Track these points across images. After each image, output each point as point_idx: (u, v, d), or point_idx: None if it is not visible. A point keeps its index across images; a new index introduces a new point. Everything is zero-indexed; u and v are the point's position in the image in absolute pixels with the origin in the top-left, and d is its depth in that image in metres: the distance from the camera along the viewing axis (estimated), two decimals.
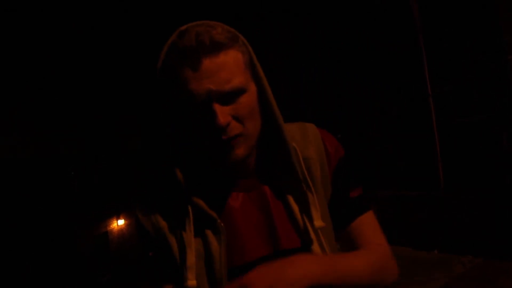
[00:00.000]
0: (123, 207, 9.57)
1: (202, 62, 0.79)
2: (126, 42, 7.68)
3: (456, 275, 3.24)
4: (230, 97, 0.82)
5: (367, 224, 1.04)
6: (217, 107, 0.80)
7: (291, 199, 0.95)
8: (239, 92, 0.83)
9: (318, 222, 0.93)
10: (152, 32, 7.59)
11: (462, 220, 3.84)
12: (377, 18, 4.46)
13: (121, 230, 9.64)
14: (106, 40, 7.57)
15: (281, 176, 0.96)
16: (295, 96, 5.37)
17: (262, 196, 0.95)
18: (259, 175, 0.97)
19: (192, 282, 0.88)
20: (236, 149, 0.84)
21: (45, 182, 7.82)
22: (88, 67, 7.67)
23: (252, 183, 0.96)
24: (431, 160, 4.06)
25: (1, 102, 6.90)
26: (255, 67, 0.90)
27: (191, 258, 0.89)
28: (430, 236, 4.10)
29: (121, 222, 9.37)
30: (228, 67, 0.81)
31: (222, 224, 0.90)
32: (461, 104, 3.78)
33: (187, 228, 0.90)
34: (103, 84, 8.04)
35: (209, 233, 0.90)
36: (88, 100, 8.04)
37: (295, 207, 0.95)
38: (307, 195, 0.94)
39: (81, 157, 8.73)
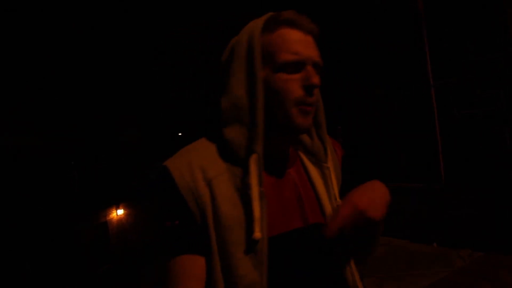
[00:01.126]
0: (122, 197, 9.59)
1: (308, 35, 0.96)
2: (126, 42, 7.63)
3: (455, 269, 3.23)
4: (317, 70, 0.97)
5: None
6: (313, 70, 0.95)
7: (317, 180, 1.08)
8: (321, 70, 0.98)
9: (337, 201, 1.08)
10: (152, 32, 7.54)
11: (462, 213, 3.83)
12: (380, 10, 4.40)
13: (120, 220, 9.68)
14: (106, 40, 7.52)
15: (310, 159, 1.11)
16: None
17: (291, 176, 1.05)
18: (289, 157, 1.08)
19: (258, 234, 0.90)
20: (309, 118, 0.96)
21: (44, 172, 7.82)
22: (88, 66, 7.64)
23: (285, 165, 1.06)
24: (432, 153, 4.04)
25: (4, 98, 6.88)
26: None
27: (258, 211, 0.91)
28: (429, 229, 4.10)
29: (120, 212, 9.40)
30: (318, 50, 0.99)
31: (263, 191, 0.94)
32: (463, 96, 3.75)
33: (253, 181, 0.92)
34: (103, 78, 8.01)
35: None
36: (88, 93, 8.01)
37: (321, 187, 1.07)
38: (331, 178, 1.09)
39: (81, 147, 8.73)
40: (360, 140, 4.73)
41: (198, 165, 0.96)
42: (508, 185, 3.49)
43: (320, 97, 1.09)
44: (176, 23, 7.13)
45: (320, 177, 1.09)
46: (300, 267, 0.97)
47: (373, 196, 0.96)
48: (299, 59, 0.93)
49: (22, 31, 6.71)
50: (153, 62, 7.89)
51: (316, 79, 0.94)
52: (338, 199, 1.09)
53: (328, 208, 1.05)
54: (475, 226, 3.74)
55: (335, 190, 1.09)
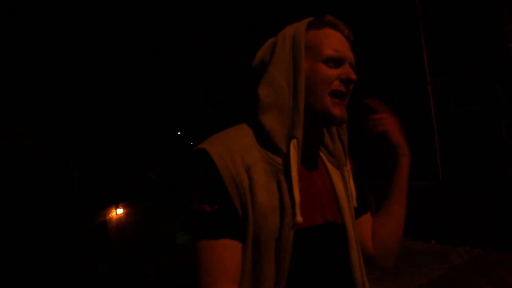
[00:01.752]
0: (121, 196, 9.60)
1: (347, 39, 1.07)
2: (126, 42, 7.63)
3: (453, 266, 3.24)
4: (352, 69, 1.05)
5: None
6: (350, 68, 1.03)
7: (337, 182, 1.12)
8: (355, 71, 1.06)
9: (354, 202, 1.15)
10: (152, 32, 7.55)
11: (460, 210, 3.84)
12: (378, 8, 4.41)
13: (119, 219, 9.69)
14: (106, 40, 7.52)
15: (330, 161, 1.16)
16: None
17: (315, 175, 1.09)
18: (315, 156, 1.13)
19: (299, 218, 0.93)
20: (344, 110, 1.04)
21: (44, 171, 7.82)
22: (88, 66, 7.63)
23: (309, 162, 1.10)
24: (429, 150, 4.04)
25: (4, 97, 6.88)
26: None
27: (298, 196, 0.94)
28: (427, 227, 4.10)
29: (120, 211, 9.40)
30: (353, 54, 1.07)
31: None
32: (461, 93, 3.75)
33: (293, 166, 0.96)
34: (103, 78, 8.01)
35: (284, 187, 0.96)
36: (87, 93, 8.01)
37: (340, 189, 1.11)
38: (350, 181, 1.15)
39: (81, 146, 8.73)
40: (356, 137, 4.73)
41: (237, 150, 0.97)
42: (505, 183, 3.50)
43: None
44: (176, 23, 7.14)
45: (340, 179, 1.13)
46: (319, 262, 1.01)
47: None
48: (340, 56, 1.02)
49: (22, 31, 6.72)
50: (153, 62, 7.89)
51: (353, 74, 1.02)
52: (355, 202, 1.15)
53: (345, 209, 1.09)
54: (473, 223, 3.74)
55: (353, 193, 1.16)
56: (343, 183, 1.13)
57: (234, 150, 0.97)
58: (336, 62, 1.02)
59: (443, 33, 3.83)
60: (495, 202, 3.58)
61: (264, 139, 1.00)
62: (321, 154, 1.15)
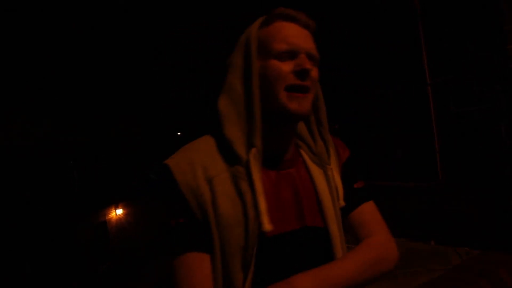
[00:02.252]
0: (121, 196, 9.60)
1: (303, 29, 1.01)
2: (126, 42, 7.64)
3: (452, 267, 3.24)
4: (312, 60, 0.99)
5: (368, 213, 1.15)
6: (305, 57, 0.97)
7: (319, 181, 1.06)
8: (317, 63, 1.02)
9: (341, 202, 1.07)
10: (152, 32, 7.55)
11: (460, 211, 3.84)
12: (377, 8, 4.41)
13: (119, 219, 9.69)
14: (106, 40, 7.52)
15: (311, 159, 1.09)
16: None
17: (291, 177, 1.04)
18: (290, 157, 1.07)
19: (268, 225, 0.90)
20: (306, 102, 0.97)
21: (44, 171, 7.82)
22: (88, 66, 7.64)
23: (284, 163, 1.05)
24: (429, 151, 4.04)
25: (3, 98, 6.89)
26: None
27: (263, 204, 0.91)
28: (427, 227, 4.10)
29: (119, 211, 9.40)
30: (313, 43, 1.02)
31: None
32: (460, 94, 3.75)
33: (255, 176, 0.93)
34: (103, 78, 8.01)
35: (247, 196, 0.93)
36: (87, 93, 8.02)
37: (323, 188, 1.05)
38: (335, 178, 1.09)
39: (80, 147, 8.73)
40: (357, 138, 4.74)
41: (199, 163, 0.96)
42: (505, 183, 3.50)
43: (321, 96, 1.12)
44: (176, 23, 7.14)
45: (323, 178, 1.07)
46: (295, 268, 0.94)
47: None
48: (292, 48, 0.96)
49: (22, 31, 6.72)
50: (153, 62, 7.89)
51: (307, 64, 0.95)
52: (341, 199, 1.08)
53: (329, 210, 1.04)
54: (472, 224, 3.74)
55: (340, 192, 1.08)
56: (327, 183, 1.07)
57: (195, 162, 0.96)
58: (289, 55, 0.97)
59: (443, 34, 3.84)
60: (495, 203, 3.58)
61: (226, 149, 0.98)
62: (302, 152, 1.10)
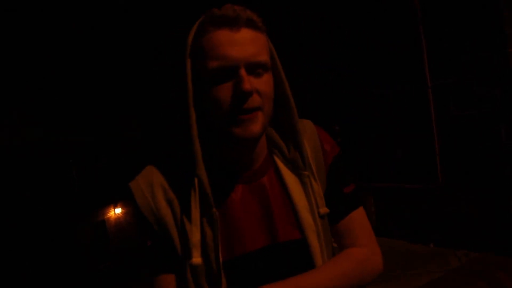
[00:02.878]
0: (120, 195, 9.59)
1: (239, 31, 0.83)
2: (126, 42, 7.64)
3: (451, 269, 3.24)
4: (256, 69, 0.85)
5: (356, 221, 1.06)
6: (244, 74, 0.82)
7: (294, 189, 0.97)
8: (265, 68, 0.87)
9: (323, 209, 0.98)
10: (152, 32, 7.55)
11: (459, 213, 3.84)
12: (376, 8, 4.42)
13: (118, 219, 9.67)
14: (105, 40, 7.53)
15: (285, 164, 0.99)
16: (292, 87, 5.33)
17: (261, 188, 0.96)
18: (259, 166, 0.98)
19: (197, 259, 0.87)
20: (254, 124, 0.85)
21: (42, 170, 7.81)
22: (88, 66, 7.64)
23: (252, 175, 0.97)
24: (429, 153, 4.05)
25: (2, 97, 6.89)
26: (274, 59, 0.95)
27: (197, 236, 0.88)
28: (426, 230, 4.11)
29: (118, 210, 9.39)
30: (259, 44, 0.86)
31: (217, 213, 0.89)
32: (461, 96, 3.76)
33: (193, 205, 0.88)
34: (103, 78, 8.01)
35: (204, 221, 0.89)
36: (86, 93, 8.02)
37: (299, 197, 0.97)
38: (313, 183, 0.98)
39: (79, 146, 8.72)
40: (357, 140, 4.74)
41: (159, 184, 0.93)
42: (505, 186, 3.51)
43: (290, 96, 0.99)
44: (176, 23, 7.14)
45: (299, 186, 0.98)
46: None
47: None
48: (224, 64, 0.83)
49: (21, 31, 6.72)
50: (153, 62, 7.89)
51: (246, 85, 0.81)
52: (322, 207, 0.99)
53: (307, 219, 0.96)
54: (472, 226, 3.75)
55: (319, 197, 0.99)
56: (304, 190, 0.98)
57: (155, 184, 0.93)
58: (225, 73, 0.83)
59: (444, 36, 3.84)
60: (494, 205, 3.58)
61: (182, 171, 0.93)
62: (275, 158, 1.00)
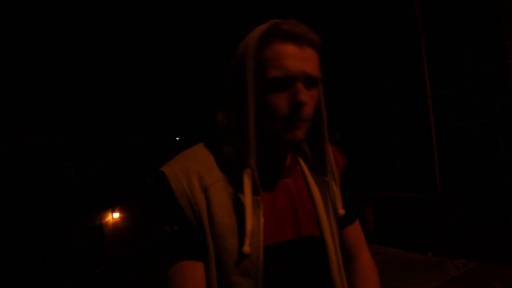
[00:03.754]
0: (118, 200, 9.59)
1: (303, 47, 0.93)
2: (126, 44, 7.69)
3: (449, 278, 3.24)
4: (310, 84, 0.95)
5: (358, 229, 1.25)
6: (301, 86, 0.92)
7: (315, 191, 1.08)
8: (317, 84, 0.98)
9: (341, 210, 1.10)
10: (154, 35, 7.60)
11: (457, 223, 3.85)
12: (377, 18, 4.45)
13: (116, 223, 9.67)
14: (106, 42, 7.58)
15: (309, 168, 1.11)
16: None
17: (288, 186, 1.06)
18: (287, 166, 1.08)
19: (247, 248, 0.91)
20: (300, 130, 0.95)
21: (41, 174, 7.82)
22: (88, 67, 7.69)
23: (281, 173, 1.06)
24: (427, 163, 4.06)
25: (2, 99, 6.93)
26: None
27: (249, 225, 0.92)
28: (424, 239, 4.11)
29: (116, 215, 9.39)
30: (317, 62, 0.97)
31: (261, 200, 0.96)
32: (460, 106, 3.78)
33: (246, 195, 0.93)
34: (103, 81, 8.05)
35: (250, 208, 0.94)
36: (85, 96, 8.05)
37: (318, 199, 1.08)
38: (333, 187, 1.10)
39: (78, 150, 8.73)
40: (357, 149, 4.75)
41: (195, 171, 0.97)
42: (503, 196, 3.52)
43: (324, 110, 1.11)
44: (178, 26, 7.18)
45: (318, 190, 1.09)
46: (291, 279, 0.98)
47: None
48: (286, 75, 0.91)
49: (23, 32, 6.75)
50: (154, 65, 7.93)
51: (303, 96, 0.91)
52: (340, 209, 1.11)
53: (324, 221, 1.06)
54: (470, 236, 3.75)
55: (338, 202, 1.11)
56: (321, 194, 1.09)
57: (191, 170, 0.96)
58: (284, 83, 0.92)
59: (444, 47, 3.87)
60: (492, 215, 3.59)
61: (222, 161, 1.00)
62: (300, 160, 1.12)
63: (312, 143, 1.11)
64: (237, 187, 0.95)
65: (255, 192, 0.95)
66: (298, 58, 0.92)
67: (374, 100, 4.57)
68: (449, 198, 3.92)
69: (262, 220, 0.94)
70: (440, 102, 3.94)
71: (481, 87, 3.60)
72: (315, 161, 1.10)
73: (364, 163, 4.69)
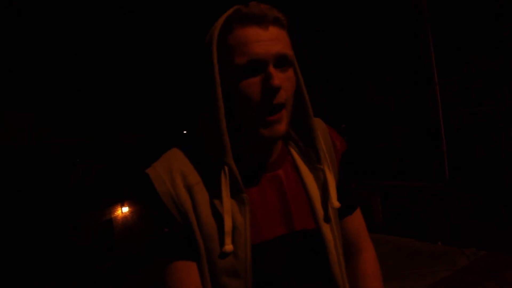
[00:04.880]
0: (127, 194, 9.63)
1: (268, 28, 0.86)
2: (130, 41, 7.67)
3: (459, 267, 3.21)
4: (283, 64, 0.89)
5: (360, 221, 1.17)
6: (273, 71, 0.85)
7: (309, 181, 1.02)
8: (291, 63, 0.91)
9: (335, 203, 1.01)
10: (157, 32, 7.57)
11: (467, 211, 3.82)
12: (384, 7, 4.39)
13: (125, 218, 9.72)
14: (110, 40, 7.56)
15: (301, 157, 1.04)
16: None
17: (278, 179, 1.00)
18: (276, 158, 1.02)
19: (229, 246, 0.89)
20: (280, 124, 0.89)
21: (50, 169, 7.87)
22: (92, 65, 7.69)
23: (269, 166, 1.01)
24: (436, 151, 4.02)
25: (11, 91, 6.95)
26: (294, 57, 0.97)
27: (229, 223, 0.89)
28: (434, 228, 4.09)
29: (125, 209, 9.44)
30: (285, 41, 0.90)
31: (248, 197, 0.92)
32: (468, 93, 3.73)
33: (224, 193, 0.90)
34: (109, 78, 8.05)
35: (234, 206, 0.91)
36: (93, 92, 8.07)
37: (313, 189, 1.02)
38: (327, 177, 1.01)
39: (86, 145, 8.77)
40: (364, 138, 4.72)
41: (178, 171, 0.94)
42: None
43: (304, 91, 1.01)
44: (179, 22, 7.15)
45: (313, 179, 1.03)
46: (283, 276, 0.95)
47: None
48: (253, 59, 0.85)
49: (26, 30, 6.76)
50: (158, 61, 7.91)
51: (276, 80, 0.84)
52: (335, 201, 1.02)
53: (320, 212, 1.01)
54: (480, 224, 3.72)
55: (332, 192, 1.03)
56: (317, 183, 1.03)
57: (174, 170, 0.94)
58: (253, 68, 0.86)
59: (451, 34, 3.82)
60: (501, 204, 3.56)
61: (203, 159, 0.96)
62: (291, 150, 1.05)
63: (300, 129, 1.05)
64: (218, 186, 0.91)
65: (238, 190, 0.92)
66: (263, 40, 0.85)
67: (381, 89, 4.53)
68: (458, 186, 3.89)
69: (248, 217, 0.91)
70: (448, 89, 3.90)
71: (490, 74, 3.55)
72: (307, 148, 1.04)
73: (372, 153, 4.66)
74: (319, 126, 1.09)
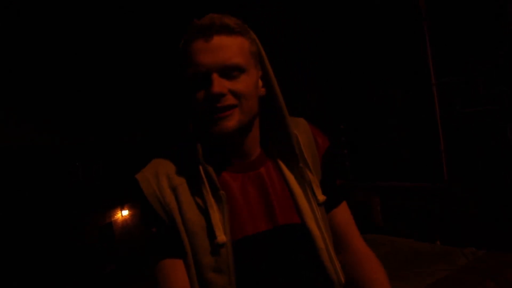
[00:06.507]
0: (127, 197, 9.62)
1: (212, 38, 0.92)
2: (129, 43, 7.67)
3: (458, 267, 3.22)
4: (229, 72, 0.93)
5: (347, 213, 1.20)
6: (216, 78, 0.91)
7: (291, 179, 1.06)
8: (238, 69, 0.94)
9: (320, 197, 1.07)
10: (152, 31, 7.58)
11: (465, 211, 3.82)
12: (381, 7, 4.40)
13: (125, 221, 9.69)
14: (110, 41, 7.57)
15: (281, 158, 1.08)
16: (297, 86, 5.33)
17: (259, 177, 1.04)
18: (256, 158, 1.07)
19: (221, 237, 0.93)
20: (228, 121, 0.94)
21: (49, 173, 7.86)
22: (89, 63, 7.68)
23: (249, 165, 1.06)
24: (434, 151, 4.03)
25: (11, 95, 6.95)
26: (262, 58, 1.03)
27: (216, 216, 0.94)
28: (432, 228, 4.09)
29: (125, 212, 9.42)
30: (232, 48, 0.93)
31: (225, 194, 0.97)
32: (466, 94, 3.74)
33: (204, 190, 0.96)
34: (108, 78, 8.05)
35: (212, 203, 0.96)
36: (92, 95, 8.07)
37: (295, 186, 1.06)
38: (307, 174, 1.06)
39: (86, 148, 8.76)
40: (362, 139, 4.73)
41: (164, 173, 1.01)
42: (510, 183, 3.48)
43: (277, 91, 1.06)
44: (176, 23, 7.17)
45: (294, 176, 1.07)
46: (268, 271, 0.97)
47: None
48: (198, 71, 0.93)
49: (25, 31, 6.77)
50: (157, 63, 7.91)
51: (215, 88, 0.90)
52: (319, 196, 1.08)
53: (304, 206, 1.05)
54: (479, 224, 3.73)
55: (315, 187, 1.08)
56: (298, 180, 1.07)
57: (160, 172, 1.00)
58: (200, 79, 0.94)
59: (449, 34, 3.82)
60: (500, 203, 3.56)
61: (185, 161, 1.03)
62: (273, 152, 1.11)
63: (277, 129, 1.09)
64: (198, 186, 0.97)
65: (215, 188, 0.97)
66: (207, 51, 0.92)
67: (379, 90, 4.53)
68: (456, 186, 3.90)
69: (227, 214, 0.96)
70: (445, 90, 3.90)
71: (488, 74, 3.56)
72: (286, 147, 1.08)
73: (370, 154, 4.67)
74: (301, 124, 1.15)
